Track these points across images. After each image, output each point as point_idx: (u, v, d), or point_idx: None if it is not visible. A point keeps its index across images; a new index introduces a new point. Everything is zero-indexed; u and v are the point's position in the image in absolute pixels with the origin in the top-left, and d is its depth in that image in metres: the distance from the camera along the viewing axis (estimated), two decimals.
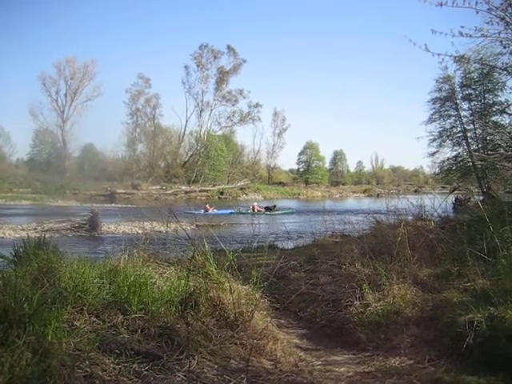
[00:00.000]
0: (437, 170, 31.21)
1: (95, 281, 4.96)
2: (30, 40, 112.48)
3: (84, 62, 73.73)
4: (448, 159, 27.19)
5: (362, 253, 7.89)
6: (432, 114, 26.57)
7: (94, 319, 4.35)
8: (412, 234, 7.85)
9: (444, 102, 26.17)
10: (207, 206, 37.59)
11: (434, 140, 26.67)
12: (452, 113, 26.16)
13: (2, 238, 20.66)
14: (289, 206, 40.24)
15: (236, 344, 4.90)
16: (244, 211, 36.18)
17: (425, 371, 4.55)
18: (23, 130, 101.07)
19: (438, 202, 10.69)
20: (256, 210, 37.03)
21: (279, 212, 37.71)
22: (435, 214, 10.54)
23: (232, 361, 4.51)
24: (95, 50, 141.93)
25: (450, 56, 7.11)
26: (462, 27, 6.33)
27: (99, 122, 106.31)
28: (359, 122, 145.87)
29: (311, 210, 40.41)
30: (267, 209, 38.60)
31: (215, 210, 36.57)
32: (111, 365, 3.65)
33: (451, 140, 26.51)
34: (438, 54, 6.87)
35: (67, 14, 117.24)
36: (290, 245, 15.64)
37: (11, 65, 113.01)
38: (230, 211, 36.80)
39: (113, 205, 44.84)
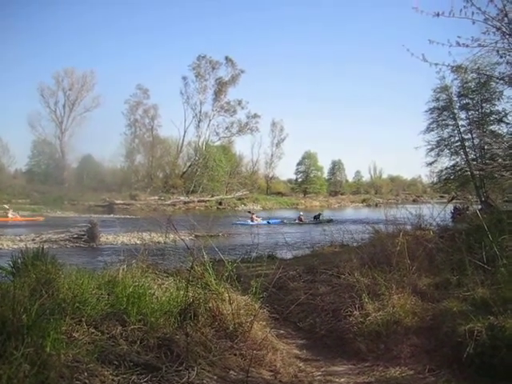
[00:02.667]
0: (435, 179, 31.16)
1: (94, 292, 4.95)
2: (28, 51, 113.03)
3: (82, 73, 73.98)
4: (446, 168, 27.15)
5: (361, 263, 7.89)
6: (430, 124, 26.56)
7: (93, 330, 4.33)
8: (411, 244, 7.84)
9: (442, 111, 26.18)
10: (253, 216, 37.91)
11: (432, 149, 26.64)
12: (450, 122, 26.15)
13: (1, 248, 20.59)
14: (329, 216, 40.32)
15: (235, 355, 4.89)
16: (292, 221, 36.44)
17: (425, 381, 4.54)
18: (22, 140, 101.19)
19: (436, 212, 10.71)
20: (302, 220, 37.24)
21: (324, 220, 37.65)
22: (434, 223, 10.55)
23: (231, 372, 4.50)
24: (94, 61, 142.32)
25: (448, 66, 7.12)
26: (458, 37, 6.35)
27: (98, 133, 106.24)
28: (357, 133, 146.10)
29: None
30: (315, 218, 38.75)
31: (260, 220, 36.78)
32: (110, 376, 3.63)
33: (449, 149, 26.49)
34: (436, 64, 6.88)
35: (66, 26, 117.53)
36: (288, 255, 15.60)
37: (10, 75, 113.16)
38: (276, 220, 37.11)
39: (111, 215, 44.80)
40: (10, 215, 36.55)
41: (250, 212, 40.43)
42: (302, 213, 41.07)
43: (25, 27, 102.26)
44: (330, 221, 35.81)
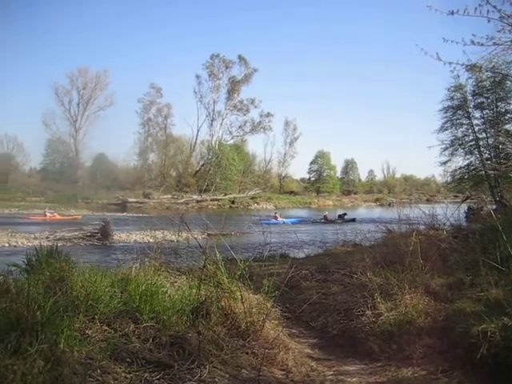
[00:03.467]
0: (449, 178, 31.05)
1: (107, 289, 4.98)
2: (42, 50, 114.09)
3: (96, 72, 74.54)
4: (460, 168, 27.02)
5: (374, 262, 7.85)
6: (444, 123, 26.45)
7: (106, 328, 4.36)
8: (424, 244, 7.79)
9: (456, 110, 26.03)
10: (276, 215, 38.53)
11: (446, 149, 26.51)
12: (464, 121, 26.01)
13: (15, 246, 20.81)
14: (353, 216, 40.40)
15: (247, 353, 4.90)
16: (318, 220, 36.60)
17: (438, 382, 4.52)
18: (36, 139, 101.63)
19: (450, 211, 10.62)
20: (328, 219, 37.34)
21: (348, 219, 37.74)
22: (447, 223, 10.47)
23: (243, 370, 4.51)
24: (107, 60, 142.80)
25: (462, 65, 7.05)
26: (473, 35, 6.29)
27: (111, 132, 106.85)
28: (370, 131, 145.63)
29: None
30: (340, 217, 38.88)
31: (284, 219, 37.06)
32: (123, 374, 3.66)
33: (463, 149, 26.34)
34: (450, 63, 6.82)
35: (79, 25, 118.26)
36: (301, 254, 15.60)
37: (24, 75, 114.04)
38: (298, 219, 37.32)
39: (124, 214, 45.09)
40: (47, 214, 36.81)
41: (275, 212, 41.09)
42: (327, 212, 41.26)
43: (38, 27, 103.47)
44: (353, 220, 36.19)
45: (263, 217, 37.31)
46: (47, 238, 22.46)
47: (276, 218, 37.32)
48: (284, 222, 35.93)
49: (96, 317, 4.41)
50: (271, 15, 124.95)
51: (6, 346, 3.21)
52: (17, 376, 2.97)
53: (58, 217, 36.79)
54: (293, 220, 39.01)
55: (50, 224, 29.84)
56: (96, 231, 23.63)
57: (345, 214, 40.59)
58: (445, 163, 27.08)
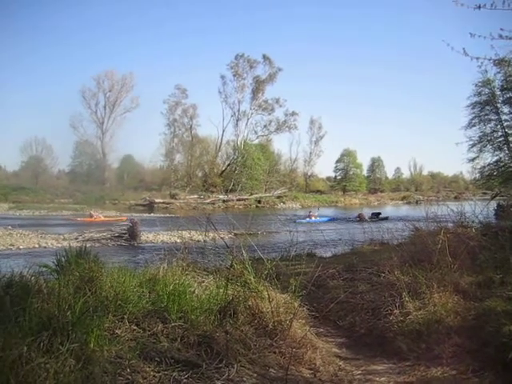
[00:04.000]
0: (477, 175, 30.55)
1: (135, 289, 5.05)
2: (69, 54, 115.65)
3: (122, 75, 75.17)
4: (489, 164, 26.53)
5: (402, 261, 7.79)
6: (471, 119, 26.01)
7: (135, 327, 4.42)
8: (452, 242, 7.70)
9: (484, 106, 25.59)
10: (310, 213, 38.87)
11: (474, 145, 26.07)
12: (492, 117, 25.55)
13: (45, 247, 21.12)
14: (387, 215, 40.38)
15: (275, 352, 4.90)
16: (353, 219, 36.69)
17: (468, 382, 4.46)
18: (64, 142, 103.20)
19: (479, 209, 10.48)
20: (363, 218, 37.37)
21: (382, 218, 37.73)
22: (476, 220, 10.31)
23: (271, 369, 4.51)
24: (132, 62, 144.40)
25: (490, 59, 6.93)
26: (501, 30, 6.18)
27: (137, 133, 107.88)
28: (397, 128, 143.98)
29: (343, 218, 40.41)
30: (374, 215, 38.92)
31: (318, 218, 37.37)
32: (151, 373, 3.70)
33: (492, 145, 25.88)
34: (477, 58, 6.71)
35: (105, 28, 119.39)
36: (328, 253, 15.55)
37: (52, 79, 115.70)
38: (332, 218, 37.52)
39: (151, 214, 45.34)
40: (93, 215, 37.39)
41: (309, 211, 41.24)
42: (365, 211, 41.21)
43: (66, 30, 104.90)
44: (386, 218, 35.98)
45: (301, 216, 37.84)
46: (76, 238, 22.74)
47: (311, 216, 37.68)
48: (318, 221, 36.27)
49: (125, 316, 4.46)
50: (295, 14, 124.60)
51: (39, 344, 3.28)
52: (49, 374, 3.03)
53: (103, 218, 37.14)
54: (326, 219, 39.09)
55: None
56: (124, 232, 23.85)
57: (379, 213, 40.57)
58: (473, 160, 26.66)
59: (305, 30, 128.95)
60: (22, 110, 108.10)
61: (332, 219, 39.11)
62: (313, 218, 37.14)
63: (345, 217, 39.73)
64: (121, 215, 41.22)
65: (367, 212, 41.01)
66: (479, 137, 25.95)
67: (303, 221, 35.89)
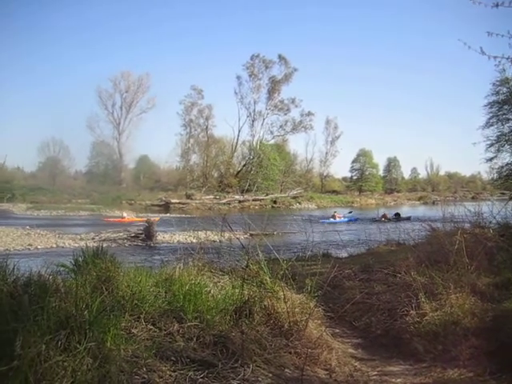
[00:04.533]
0: (495, 175, 30.18)
1: (151, 289, 5.08)
2: (86, 54, 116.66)
3: (138, 76, 75.72)
4: (507, 164, 26.16)
5: (418, 261, 7.74)
6: (489, 119, 25.63)
7: (151, 327, 4.45)
8: (469, 242, 7.64)
9: (502, 105, 25.27)
10: (335, 214, 39.31)
11: (492, 145, 25.70)
12: (510, 116, 25.26)
13: (63, 247, 21.35)
14: (409, 214, 40.52)
15: (290, 353, 4.90)
16: (377, 219, 36.79)
17: None
18: (81, 142, 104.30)
19: (496, 209, 10.38)
20: (388, 218, 37.44)
21: (403, 218, 37.84)
22: (494, 221, 10.22)
23: (286, 370, 4.52)
24: (148, 63, 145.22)
25: (508, 58, 6.86)
26: None
27: (153, 134, 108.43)
28: (413, 128, 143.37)
29: (365, 218, 40.31)
30: (395, 216, 39.05)
31: (342, 218, 37.65)
32: (168, 372, 3.72)
33: (510, 144, 25.58)
34: (495, 57, 6.64)
35: (121, 29, 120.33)
36: (343, 253, 15.51)
37: (69, 80, 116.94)
38: (356, 218, 37.70)
39: (167, 214, 45.52)
40: (124, 215, 37.71)
41: (334, 212, 41.59)
42: (386, 212, 41.26)
43: (82, 32, 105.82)
44: (408, 218, 36.02)
45: (325, 216, 38.06)
46: (93, 238, 22.95)
47: (334, 217, 37.96)
48: (342, 221, 36.41)
49: (141, 316, 4.50)
50: (310, 13, 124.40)
51: (57, 343, 3.31)
52: (67, 372, 3.06)
53: (135, 218, 37.39)
54: (350, 219, 39.12)
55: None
56: (140, 232, 24.00)
57: (398, 213, 40.68)
58: (491, 160, 26.31)
59: (319, 30, 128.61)
60: (30, 110, 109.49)
61: (356, 219, 39.12)
62: (337, 219, 37.29)
63: (369, 217, 39.63)
64: (153, 216, 41.33)
65: (389, 212, 41.04)
66: (497, 136, 25.61)
67: (327, 221, 36.19)
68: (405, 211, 51.66)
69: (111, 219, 36.76)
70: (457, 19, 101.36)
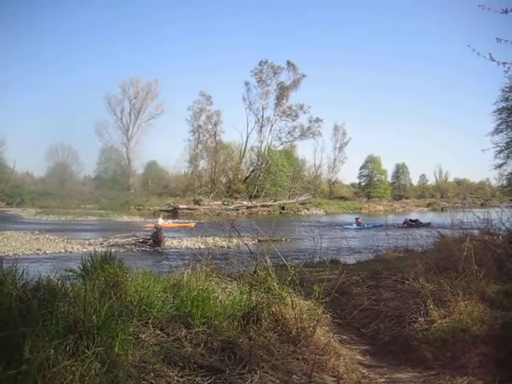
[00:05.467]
0: (504, 182, 30.04)
1: (159, 295, 5.10)
2: (95, 61, 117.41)
3: (147, 82, 76.09)
4: None
5: (426, 268, 7.72)
6: (498, 125, 25.59)
7: (159, 332, 4.46)
8: (478, 249, 7.60)
9: (511, 111, 25.22)
10: (359, 220, 39.67)
11: (501, 151, 25.62)
12: None
13: (71, 252, 21.43)
14: (428, 220, 40.68)
15: (298, 359, 4.89)
16: (400, 225, 36.82)
17: None
18: (90, 148, 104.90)
19: (506, 216, 10.33)
20: (410, 224, 37.51)
21: (424, 224, 37.96)
22: (503, 228, 10.16)
23: (294, 376, 4.51)
24: (157, 69, 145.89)
25: None
26: None
27: (162, 140, 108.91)
28: (422, 134, 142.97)
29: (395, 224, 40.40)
30: (414, 222, 39.24)
31: (365, 225, 37.84)
32: (175, 377, 3.73)
33: None
34: (504, 63, 6.63)
35: (132, 35, 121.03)
36: (351, 260, 15.45)
37: (77, 86, 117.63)
38: (380, 224, 37.78)
39: (176, 220, 45.57)
40: (160, 221, 37.72)
41: (357, 218, 41.77)
42: (408, 218, 41.37)
43: (88, 34, 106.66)
44: (428, 224, 36.05)
45: (348, 223, 38.42)
46: (101, 244, 23.03)
47: (358, 223, 38.27)
48: (365, 227, 36.52)
49: (149, 321, 4.51)
50: (320, 19, 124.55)
51: (65, 347, 3.33)
52: (75, 377, 3.08)
53: (173, 224, 37.33)
54: (373, 225, 39.13)
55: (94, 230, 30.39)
56: (148, 237, 24.05)
57: (417, 220, 40.83)
58: (500, 166, 26.22)
59: (327, 36, 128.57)
60: (38, 114, 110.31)
61: (380, 226, 39.12)
62: (361, 225, 37.40)
63: (392, 223, 39.61)
64: (188, 222, 41.17)
65: (407, 219, 41.14)
66: (506, 143, 25.52)
67: (351, 227, 36.94)
68: (413, 218, 51.56)
69: (149, 225, 36.55)
70: (464, 26, 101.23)
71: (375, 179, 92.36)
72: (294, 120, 79.54)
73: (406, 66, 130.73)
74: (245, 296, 5.58)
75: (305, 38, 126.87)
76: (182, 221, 41.74)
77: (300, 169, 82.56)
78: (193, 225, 34.30)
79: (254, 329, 5.06)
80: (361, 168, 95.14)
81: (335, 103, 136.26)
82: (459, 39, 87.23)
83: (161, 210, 58.17)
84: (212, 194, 69.48)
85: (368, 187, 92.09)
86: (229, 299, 5.56)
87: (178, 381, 3.70)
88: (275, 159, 73.79)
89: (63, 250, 21.99)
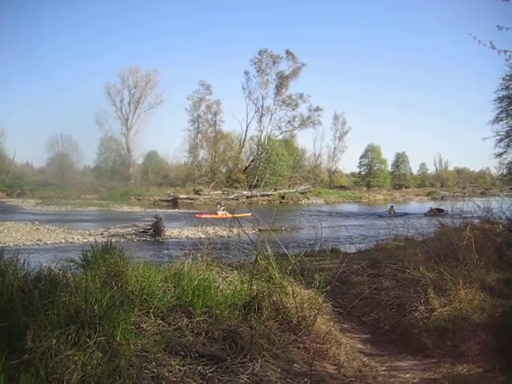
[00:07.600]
0: (505, 171, 30.00)
1: (160, 284, 5.11)
2: (94, 51, 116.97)
3: (147, 71, 75.62)
4: None
5: (427, 257, 7.73)
6: (499, 113, 25.49)
7: (160, 322, 4.47)
8: (479, 238, 7.61)
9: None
10: (392, 208, 40.00)
11: (502, 140, 25.54)
12: None
13: (72, 242, 21.42)
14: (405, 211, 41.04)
15: (299, 348, 4.91)
16: (427, 213, 36.99)
17: (495, 380, 4.41)
18: (90, 138, 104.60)
19: (506, 205, 10.32)
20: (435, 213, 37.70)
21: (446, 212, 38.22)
22: (503, 216, 10.17)
23: (295, 364, 4.53)
24: (157, 59, 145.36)
25: None
26: None
27: (162, 130, 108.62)
28: (422, 124, 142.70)
29: (372, 213, 40.37)
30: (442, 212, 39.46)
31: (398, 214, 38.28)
32: (177, 366, 3.75)
33: None
34: (505, 51, 6.60)
35: (131, 25, 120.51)
36: (352, 249, 15.45)
37: (77, 76, 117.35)
38: (405, 213, 38.00)
39: (176, 210, 45.57)
40: (219, 213, 37.48)
41: (391, 206, 41.87)
42: (433, 207, 41.51)
43: (92, 28, 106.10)
44: (446, 213, 36.38)
45: (381, 212, 38.68)
46: (101, 234, 22.96)
47: (391, 212, 38.51)
48: (398, 215, 36.77)
49: (150, 311, 4.52)
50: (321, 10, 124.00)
51: (67, 337, 3.34)
52: (77, 366, 3.09)
53: (230, 215, 36.94)
54: (404, 213, 39.46)
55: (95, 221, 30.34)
56: (149, 227, 24.03)
57: (442, 209, 41.10)
58: (500, 155, 26.16)
59: (327, 28, 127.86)
60: (38, 104, 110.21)
61: (406, 214, 39.39)
62: (392, 214, 37.61)
63: (416, 212, 39.69)
64: (246, 213, 40.81)
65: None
66: (506, 131, 25.45)
67: (387, 215, 36.49)
68: (413, 207, 51.65)
69: (206, 216, 36.00)
70: (464, 17, 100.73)
71: (375, 168, 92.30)
72: (293, 109, 79.22)
73: (405, 57, 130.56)
74: (246, 285, 5.59)
75: (305, 30, 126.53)
76: (240, 211, 41.42)
77: (300, 158, 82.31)
78: (250, 215, 34.28)
79: (254, 318, 5.08)
80: (361, 157, 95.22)
81: (335, 94, 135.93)
82: (459, 31, 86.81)
83: (161, 200, 58.26)
84: (212, 184, 69.34)
85: (368, 176, 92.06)
86: (230, 288, 5.57)
87: (179, 370, 3.72)
88: (275, 149, 73.54)
89: (64, 241, 21.96)
